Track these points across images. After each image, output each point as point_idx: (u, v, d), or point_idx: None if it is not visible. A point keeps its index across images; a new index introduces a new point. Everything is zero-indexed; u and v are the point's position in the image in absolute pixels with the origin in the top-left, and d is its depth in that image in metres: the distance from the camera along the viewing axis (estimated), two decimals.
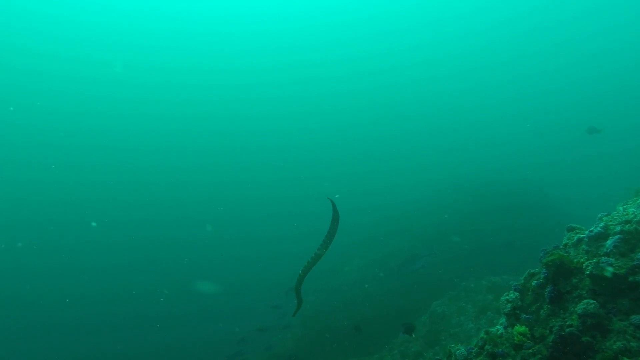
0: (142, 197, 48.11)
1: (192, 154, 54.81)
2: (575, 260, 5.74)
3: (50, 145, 52.37)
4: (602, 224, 5.84)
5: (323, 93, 60.68)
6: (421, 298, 17.17)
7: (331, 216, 4.98)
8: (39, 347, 27.50)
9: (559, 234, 7.39)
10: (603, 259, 5.29)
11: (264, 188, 50.25)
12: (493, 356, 5.77)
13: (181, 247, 38.22)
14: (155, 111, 58.10)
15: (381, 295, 19.02)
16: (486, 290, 15.80)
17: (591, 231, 5.88)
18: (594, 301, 5.08)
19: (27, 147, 51.58)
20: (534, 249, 8.17)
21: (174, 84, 59.08)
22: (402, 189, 38.94)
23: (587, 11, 51.94)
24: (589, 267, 5.35)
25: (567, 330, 4.99)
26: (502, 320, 6.59)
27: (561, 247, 6.38)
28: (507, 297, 6.50)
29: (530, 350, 5.31)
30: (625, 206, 6.09)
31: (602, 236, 5.72)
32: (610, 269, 5.13)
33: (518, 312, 6.24)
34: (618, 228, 5.55)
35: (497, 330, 6.37)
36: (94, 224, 37.33)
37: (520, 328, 5.59)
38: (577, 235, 6.20)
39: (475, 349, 6.30)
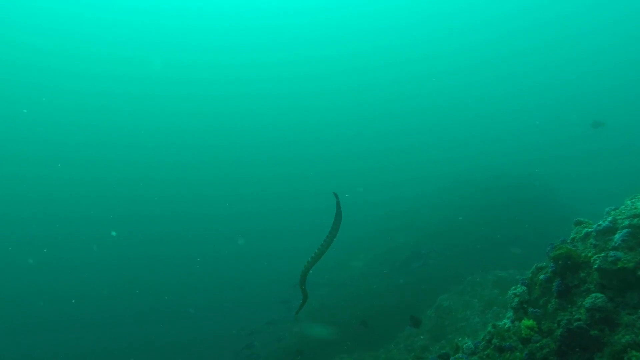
0: (152, 195, 48.26)
1: (200, 151, 54.94)
2: (583, 254, 5.74)
3: (56, 142, 52.75)
4: (610, 218, 5.83)
5: (327, 89, 60.44)
6: (427, 292, 17.22)
7: (335, 212, 5.00)
8: (54, 342, 27.81)
9: (565, 228, 7.39)
10: (611, 252, 5.29)
11: (273, 183, 50.51)
12: (500, 349, 5.79)
13: (189, 244, 38.61)
14: (155, 109, 58.27)
15: (387, 290, 19.08)
16: (492, 284, 15.81)
17: (599, 225, 5.87)
18: (602, 295, 5.08)
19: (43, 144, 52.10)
20: (540, 244, 8.17)
21: (191, 80, 58.86)
22: (408, 184, 38.95)
23: (596, 4, 51.36)
24: (597, 261, 5.35)
25: (575, 324, 4.99)
26: (510, 314, 6.60)
27: (569, 241, 6.37)
28: (514, 290, 6.52)
29: (538, 344, 5.32)
30: (633, 200, 6.06)
31: (610, 230, 5.71)
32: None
33: (525, 305, 6.25)
34: (626, 222, 5.53)
35: (505, 324, 6.38)
36: (114, 233, 37.54)
37: (527, 322, 5.59)
38: (585, 229, 6.20)
39: (483, 342, 6.32)
